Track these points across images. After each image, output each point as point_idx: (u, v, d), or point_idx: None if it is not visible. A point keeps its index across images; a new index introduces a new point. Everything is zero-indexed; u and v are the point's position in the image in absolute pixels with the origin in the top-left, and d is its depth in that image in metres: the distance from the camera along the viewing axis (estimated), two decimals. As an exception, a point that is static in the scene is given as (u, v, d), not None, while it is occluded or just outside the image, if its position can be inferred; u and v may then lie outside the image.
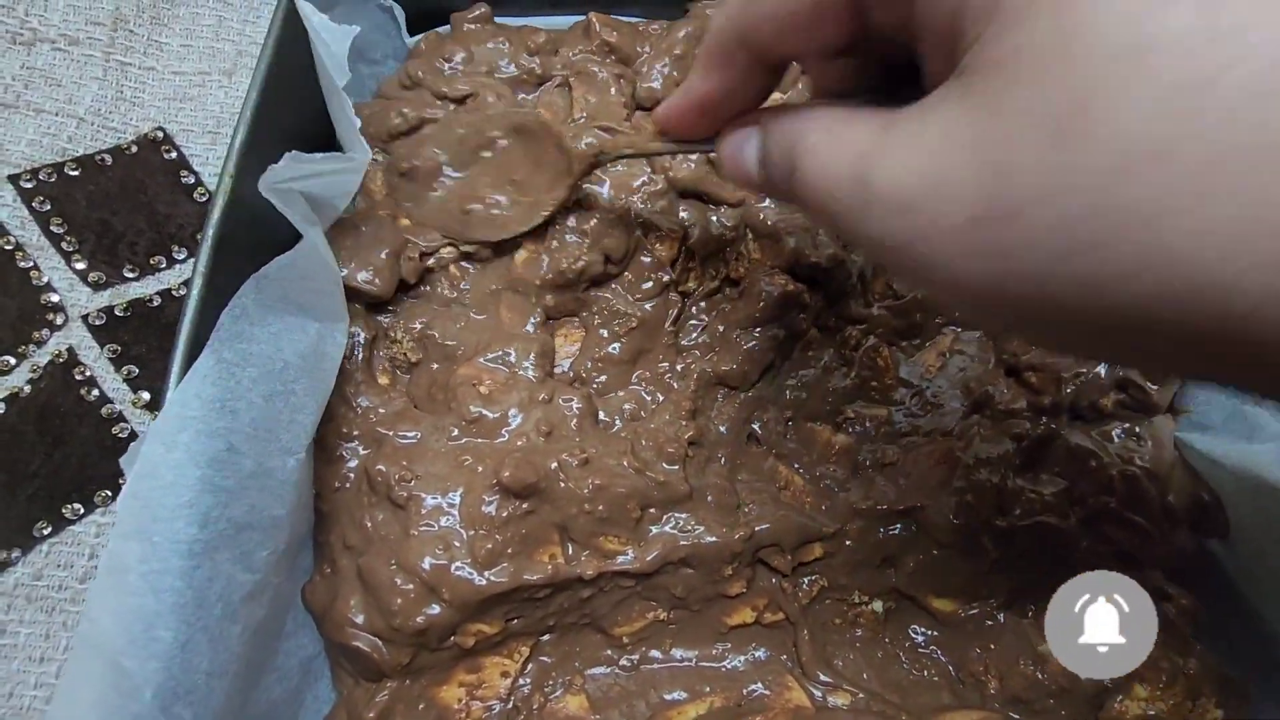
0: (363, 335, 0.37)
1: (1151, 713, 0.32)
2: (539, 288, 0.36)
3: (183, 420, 0.25)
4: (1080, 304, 0.14)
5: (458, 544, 0.31)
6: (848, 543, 0.35)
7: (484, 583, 0.31)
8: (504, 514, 0.32)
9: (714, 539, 0.33)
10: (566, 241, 0.37)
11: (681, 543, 0.33)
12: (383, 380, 0.37)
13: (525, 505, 0.32)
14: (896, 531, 0.35)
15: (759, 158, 0.22)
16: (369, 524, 0.32)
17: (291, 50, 0.34)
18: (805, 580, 0.36)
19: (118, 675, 0.23)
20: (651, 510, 0.34)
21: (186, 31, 0.47)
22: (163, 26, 0.47)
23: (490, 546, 0.31)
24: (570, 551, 0.33)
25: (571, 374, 0.37)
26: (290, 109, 0.35)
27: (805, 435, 0.38)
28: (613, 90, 0.40)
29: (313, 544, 0.34)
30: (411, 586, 0.30)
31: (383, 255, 0.36)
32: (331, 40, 0.30)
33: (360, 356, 0.36)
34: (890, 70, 0.22)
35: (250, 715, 0.28)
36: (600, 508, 0.33)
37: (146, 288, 0.40)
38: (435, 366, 0.36)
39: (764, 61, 0.22)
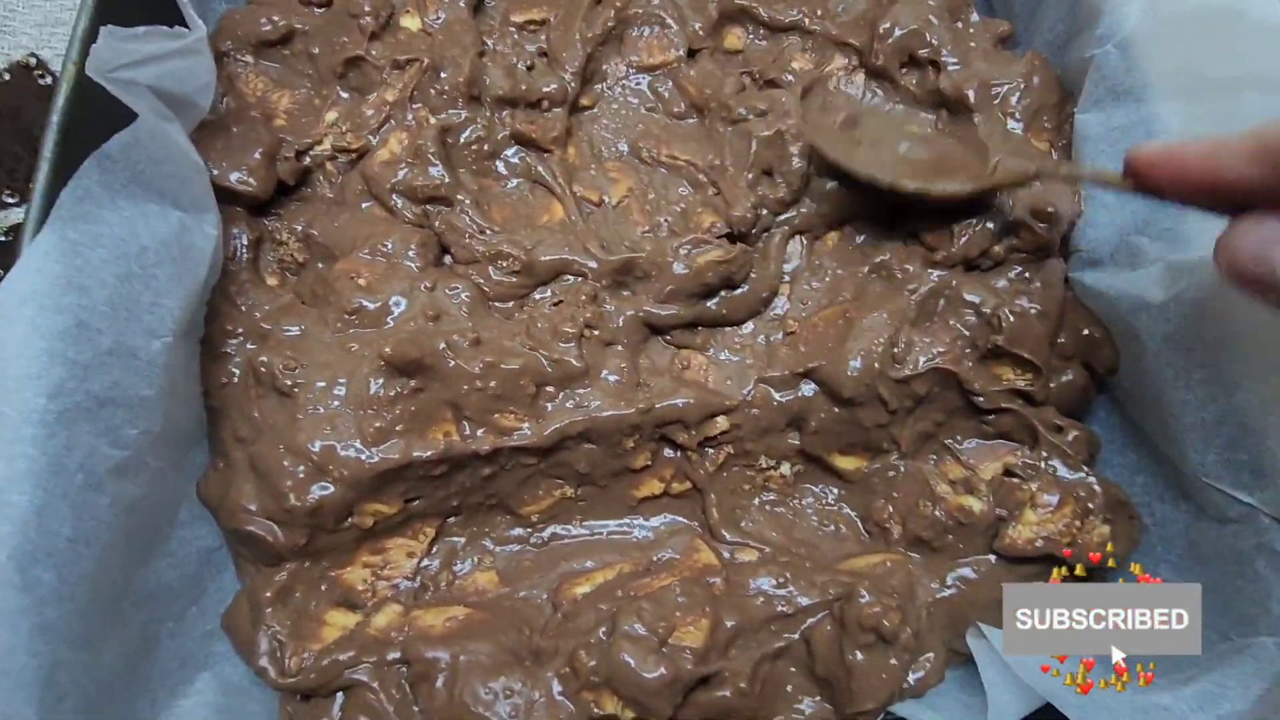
0: (246, 237, 0.36)
1: (1043, 534, 0.33)
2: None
3: (24, 295, 0.25)
4: None
5: (345, 424, 0.31)
6: (753, 411, 0.35)
7: (374, 459, 0.31)
8: (391, 393, 0.32)
9: (612, 412, 0.34)
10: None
11: (578, 417, 0.34)
12: (271, 281, 0.37)
13: (413, 383, 0.32)
14: (798, 395, 0.36)
15: None
16: (257, 414, 0.32)
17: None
18: (711, 450, 0.37)
19: (-31, 539, 0.23)
20: (549, 388, 0.34)
21: (57, -42, 0.46)
22: (31, -46, 0.46)
23: (379, 425, 0.31)
24: (466, 430, 0.33)
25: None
26: (141, 5, 0.34)
27: None
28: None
29: (205, 441, 0.34)
30: (301, 468, 0.31)
31: (256, 155, 0.36)
32: None
33: (245, 257, 0.36)
34: None
35: (136, 592, 0.28)
36: (493, 384, 0.33)
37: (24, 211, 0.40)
38: (320, 265, 0.36)
39: None
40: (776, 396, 0.36)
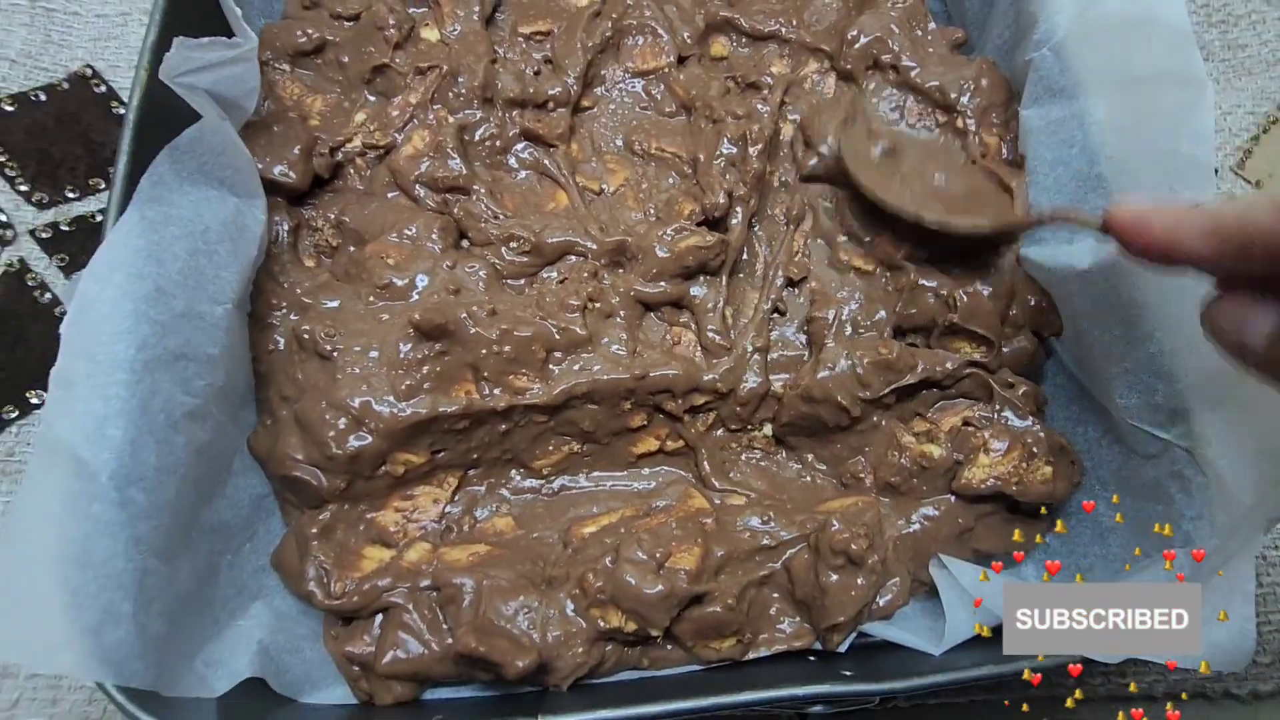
0: (286, 224, 0.41)
1: (994, 475, 0.37)
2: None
3: (113, 264, 0.29)
4: None
5: (379, 382, 0.35)
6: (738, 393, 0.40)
7: (405, 413, 0.35)
8: (419, 355, 0.36)
9: (611, 375, 0.38)
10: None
11: (582, 379, 0.38)
12: (309, 263, 0.41)
13: (438, 347, 0.37)
14: (769, 387, 0.40)
15: (1269, 341, 0.23)
16: (300, 376, 0.37)
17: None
18: (700, 415, 0.41)
19: (75, 464, 0.27)
20: (556, 353, 0.38)
21: (106, -22, 0.51)
22: (83, -25, 0.50)
23: (409, 383, 0.36)
24: (484, 389, 0.37)
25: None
26: (198, 21, 0.38)
27: None
28: (475, 5, 0.44)
29: (255, 403, 0.38)
30: (342, 420, 0.35)
31: (295, 151, 0.40)
32: None
33: (286, 241, 0.41)
34: None
35: (202, 525, 0.32)
36: (507, 349, 0.37)
37: (88, 206, 0.44)
38: (352, 249, 0.41)
39: None
40: (745, 388, 0.39)
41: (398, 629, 0.33)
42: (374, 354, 0.36)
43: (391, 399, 0.35)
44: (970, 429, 0.38)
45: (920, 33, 0.45)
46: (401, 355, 0.36)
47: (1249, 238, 0.23)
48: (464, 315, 0.37)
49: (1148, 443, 0.35)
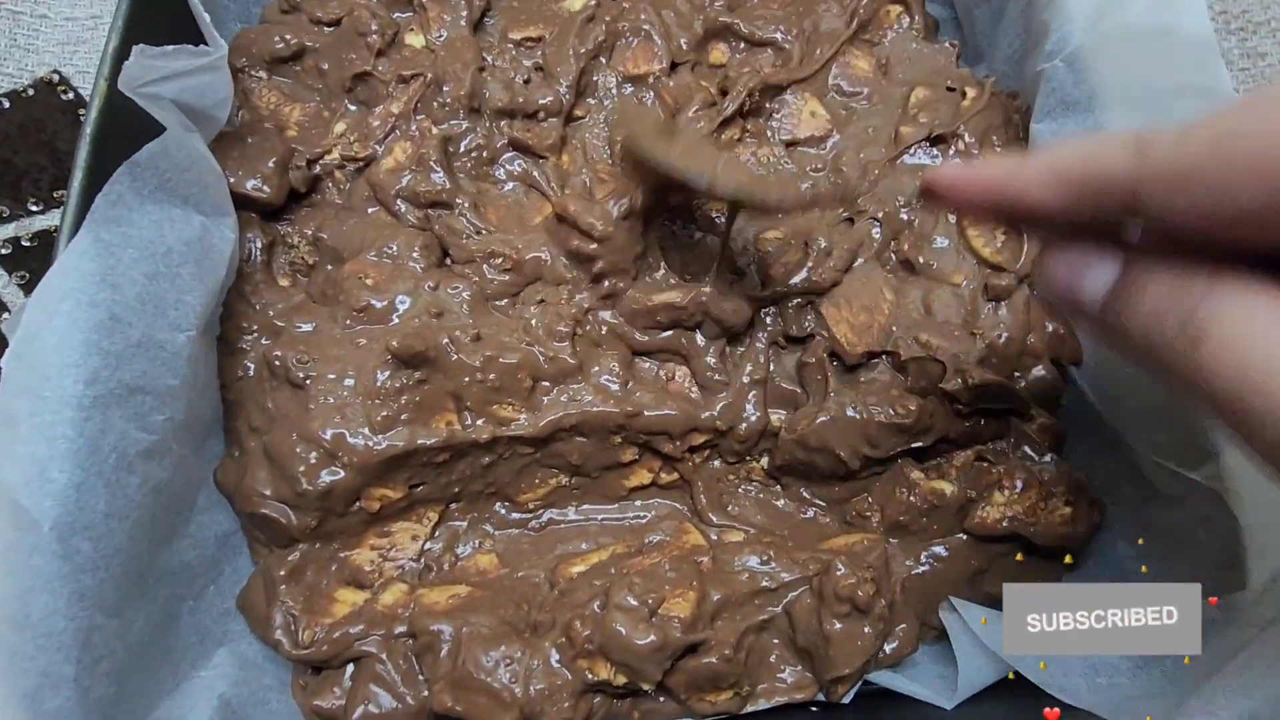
0: (260, 241, 0.39)
1: (1009, 515, 0.35)
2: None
3: (62, 291, 0.27)
4: None
5: (354, 413, 0.33)
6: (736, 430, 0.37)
7: (381, 446, 0.33)
8: (397, 384, 0.34)
9: (601, 409, 0.36)
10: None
11: (571, 411, 0.36)
12: (284, 282, 0.39)
13: (418, 375, 0.34)
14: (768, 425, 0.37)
15: (1109, 296, 0.21)
16: (271, 405, 0.34)
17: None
18: (696, 451, 0.39)
19: (15, 512, 0.25)
20: (544, 383, 0.36)
21: (77, -20, 0.48)
22: (53, -24, 0.48)
23: (385, 413, 0.33)
24: (467, 420, 0.35)
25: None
26: (167, 23, 0.36)
27: None
28: (462, 10, 0.41)
29: (222, 433, 0.36)
30: (313, 453, 0.33)
31: (270, 164, 0.38)
32: None
33: (259, 260, 0.38)
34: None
35: (160, 569, 0.30)
36: (492, 377, 0.35)
37: (52, 220, 0.42)
38: (329, 267, 0.38)
39: (1152, 224, 0.20)
40: (744, 425, 0.37)
41: (370, 681, 0.31)
42: (349, 382, 0.34)
43: (367, 431, 0.33)
44: (984, 464, 0.36)
45: (915, 45, 0.43)
46: (379, 384, 0.34)
47: (1102, 182, 0.20)
48: (445, 341, 0.34)
49: (1173, 483, 0.33)
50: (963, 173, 0.23)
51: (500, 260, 0.38)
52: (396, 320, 0.36)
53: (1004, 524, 0.35)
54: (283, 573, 0.32)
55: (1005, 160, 0.23)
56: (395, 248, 0.37)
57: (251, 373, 0.35)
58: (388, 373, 0.34)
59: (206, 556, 0.33)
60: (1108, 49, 0.34)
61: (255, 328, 0.36)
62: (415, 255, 0.37)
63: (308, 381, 0.34)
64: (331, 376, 0.34)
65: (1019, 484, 0.35)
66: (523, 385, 0.35)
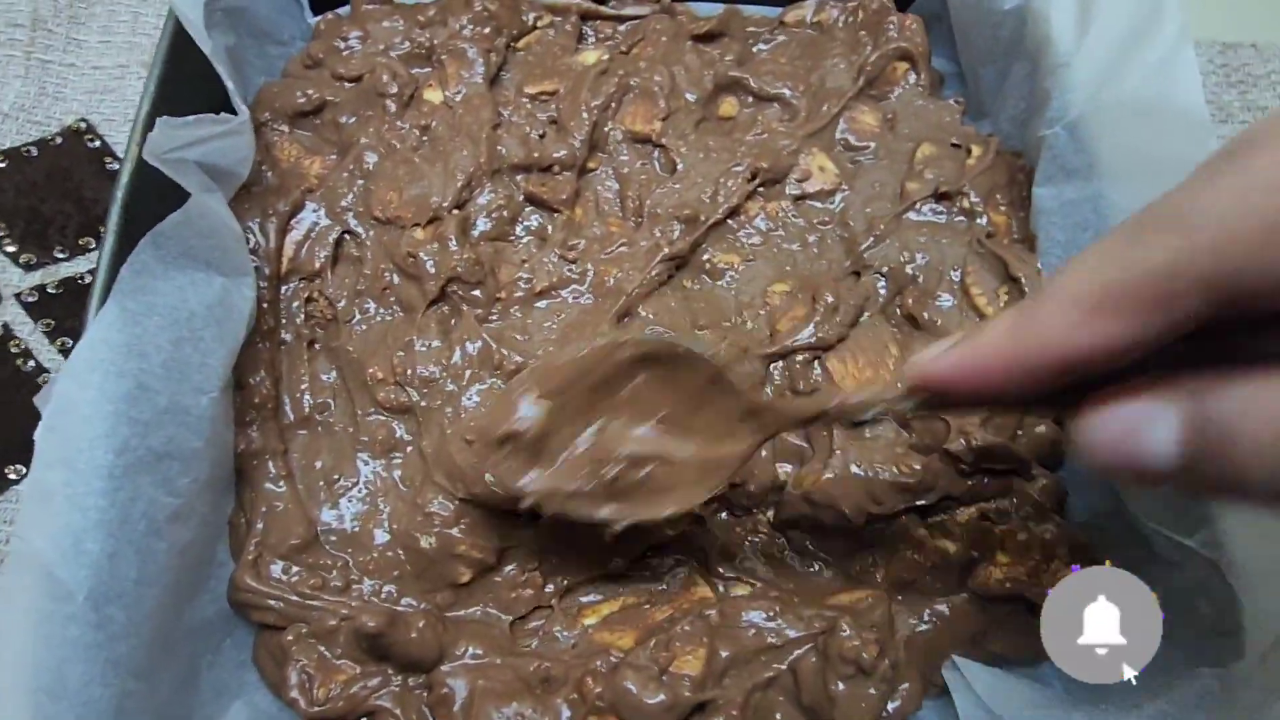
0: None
1: (1012, 576, 0.36)
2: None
3: (92, 363, 0.28)
4: None
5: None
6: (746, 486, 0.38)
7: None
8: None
9: None
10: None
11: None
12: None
13: None
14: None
15: (1181, 438, 0.18)
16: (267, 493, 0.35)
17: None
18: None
19: (50, 584, 0.25)
20: None
21: (104, 28, 0.50)
22: (80, 25, 0.49)
23: None
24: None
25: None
26: (196, 84, 0.37)
27: None
28: (479, 66, 0.42)
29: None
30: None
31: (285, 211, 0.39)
32: (187, 8, 0.33)
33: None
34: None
35: (186, 626, 0.31)
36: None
37: (77, 267, 0.43)
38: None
39: (1218, 314, 0.17)
40: (754, 481, 0.37)
41: (385, 737, 0.32)
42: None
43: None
44: (987, 523, 0.37)
45: (921, 101, 0.44)
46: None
47: (1051, 361, 0.18)
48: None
49: (1171, 548, 0.33)
50: (946, 367, 0.21)
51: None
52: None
53: (1007, 585, 0.36)
54: (291, 638, 0.33)
55: (959, 349, 0.21)
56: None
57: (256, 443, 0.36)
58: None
59: (224, 610, 0.33)
60: (1107, 119, 0.35)
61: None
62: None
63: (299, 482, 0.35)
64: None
65: (1022, 545, 0.36)
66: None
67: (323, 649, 0.32)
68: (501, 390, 0.36)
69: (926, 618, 0.36)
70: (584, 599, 0.38)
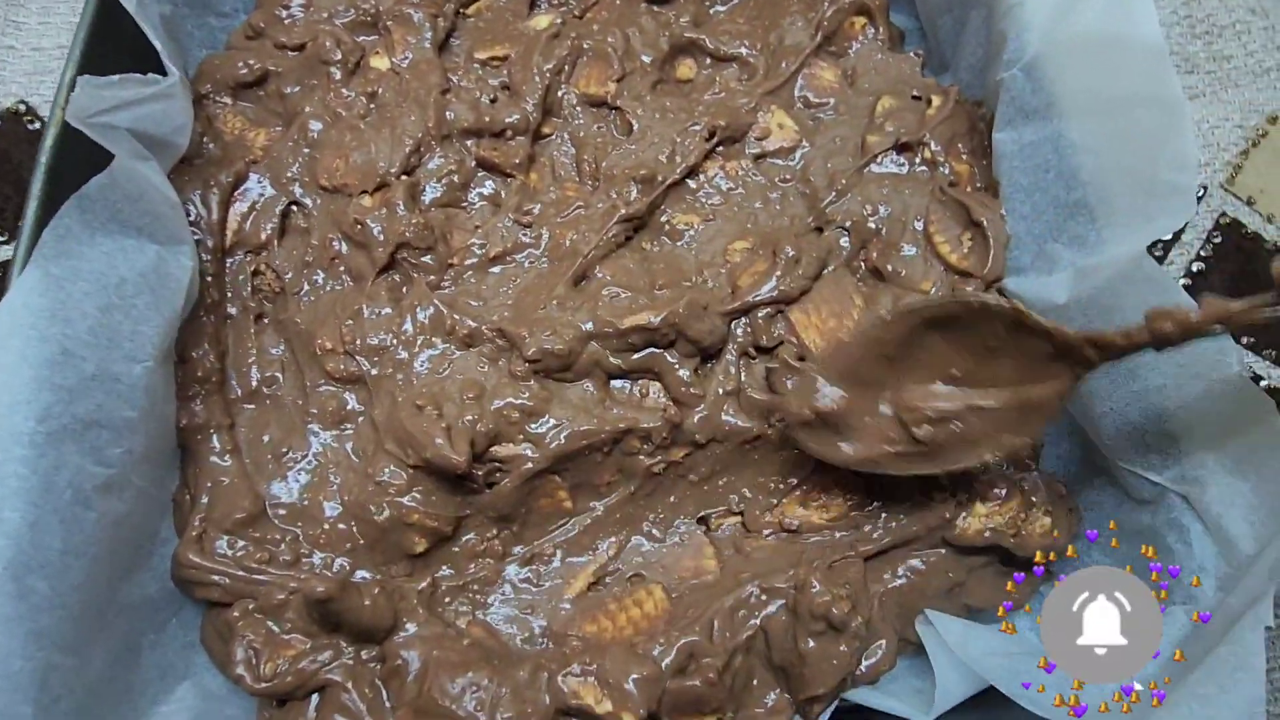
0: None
1: (991, 525, 0.35)
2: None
3: (10, 328, 0.27)
4: None
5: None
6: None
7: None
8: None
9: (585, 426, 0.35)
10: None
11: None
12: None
13: None
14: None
15: None
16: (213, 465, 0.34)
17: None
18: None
19: (-35, 554, 0.24)
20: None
21: (43, 9, 0.48)
22: (19, 6, 0.48)
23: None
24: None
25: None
26: (130, 53, 0.36)
27: None
28: (427, 32, 0.41)
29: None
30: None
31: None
32: None
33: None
34: None
35: (120, 603, 0.29)
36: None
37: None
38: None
39: None
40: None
41: (335, 711, 0.31)
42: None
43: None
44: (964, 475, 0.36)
45: (880, 56, 0.43)
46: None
47: None
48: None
49: (1141, 486, 0.33)
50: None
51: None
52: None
53: (986, 534, 0.35)
54: (237, 614, 0.32)
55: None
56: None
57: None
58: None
59: (168, 589, 0.32)
60: (1063, 57, 0.34)
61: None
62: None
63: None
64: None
65: (1000, 494, 0.35)
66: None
67: (271, 624, 0.31)
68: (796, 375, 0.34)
69: (901, 573, 0.35)
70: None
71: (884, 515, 0.36)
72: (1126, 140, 0.32)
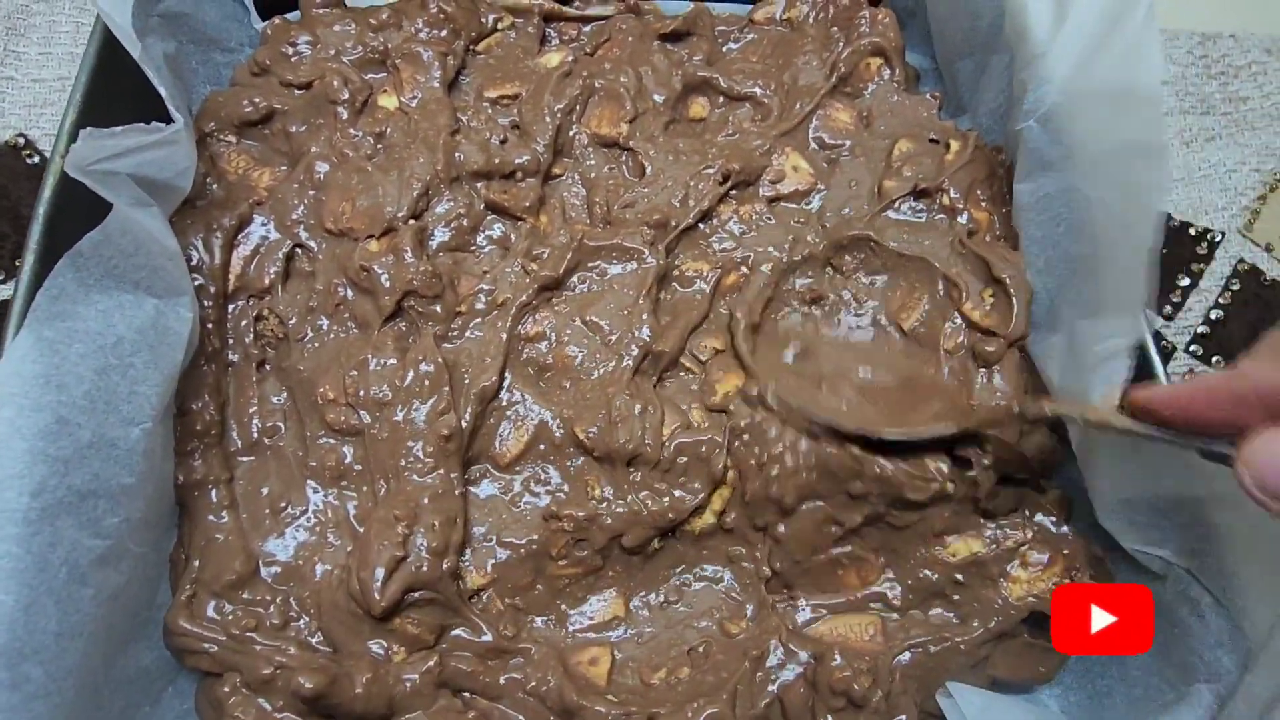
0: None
1: (1034, 593, 0.34)
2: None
3: (3, 397, 0.25)
4: None
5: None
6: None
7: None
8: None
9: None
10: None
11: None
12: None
13: None
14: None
15: None
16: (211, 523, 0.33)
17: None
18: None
19: (-46, 640, 0.23)
20: None
21: (44, 39, 0.47)
22: (20, 36, 0.47)
23: None
24: None
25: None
26: (131, 94, 0.35)
27: None
28: (435, 70, 0.40)
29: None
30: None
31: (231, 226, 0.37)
32: (113, 11, 0.30)
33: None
34: None
35: (119, 677, 0.28)
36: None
37: (12, 289, 0.40)
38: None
39: None
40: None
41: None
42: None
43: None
44: (1001, 540, 0.34)
45: (896, 97, 0.43)
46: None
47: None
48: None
49: (1150, 560, 0.32)
50: (1149, 396, 0.26)
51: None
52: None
53: (1029, 600, 0.34)
54: (226, 689, 0.30)
55: (1190, 384, 0.25)
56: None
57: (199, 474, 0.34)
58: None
59: (164, 657, 0.31)
60: (1078, 108, 0.34)
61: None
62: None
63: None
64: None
65: (1042, 559, 0.34)
66: None
67: (262, 702, 0.30)
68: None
69: (926, 640, 0.34)
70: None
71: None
72: (1123, 194, 0.31)
